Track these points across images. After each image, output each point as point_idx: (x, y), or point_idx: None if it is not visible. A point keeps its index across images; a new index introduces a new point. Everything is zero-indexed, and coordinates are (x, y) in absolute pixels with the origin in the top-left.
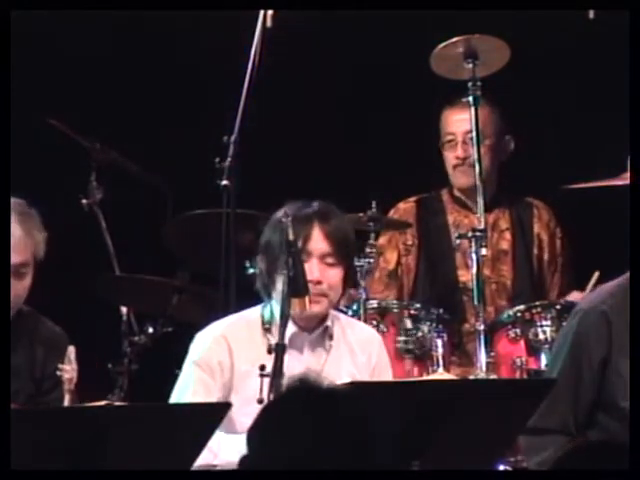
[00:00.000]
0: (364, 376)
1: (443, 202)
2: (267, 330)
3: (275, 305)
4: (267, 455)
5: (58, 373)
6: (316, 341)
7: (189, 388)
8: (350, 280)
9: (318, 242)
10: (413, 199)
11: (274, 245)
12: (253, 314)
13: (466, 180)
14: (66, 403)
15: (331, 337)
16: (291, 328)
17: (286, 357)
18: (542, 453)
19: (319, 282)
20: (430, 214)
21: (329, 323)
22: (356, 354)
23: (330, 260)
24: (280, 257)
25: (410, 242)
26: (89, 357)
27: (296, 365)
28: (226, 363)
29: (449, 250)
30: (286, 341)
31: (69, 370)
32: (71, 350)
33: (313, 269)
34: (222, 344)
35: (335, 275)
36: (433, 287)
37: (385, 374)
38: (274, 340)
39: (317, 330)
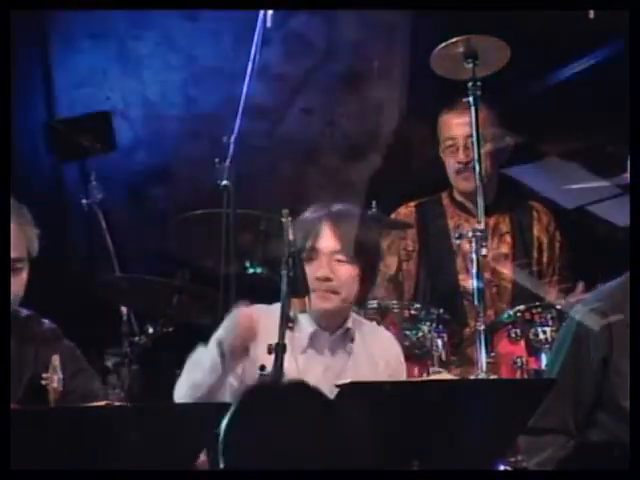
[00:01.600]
0: None
1: (443, 206)
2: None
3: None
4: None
5: (43, 382)
6: (337, 343)
7: None
8: (369, 278)
9: (326, 240)
10: (413, 203)
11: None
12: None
13: (469, 185)
14: None
15: (352, 340)
16: (310, 327)
17: (304, 357)
18: (542, 453)
19: (327, 279)
20: (430, 218)
21: (350, 325)
22: (376, 363)
23: (340, 257)
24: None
25: (411, 247)
26: (89, 357)
27: (315, 366)
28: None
29: (450, 254)
30: (306, 341)
31: (55, 379)
32: (55, 358)
33: (321, 266)
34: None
35: (346, 272)
36: (434, 292)
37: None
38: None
39: (338, 331)
